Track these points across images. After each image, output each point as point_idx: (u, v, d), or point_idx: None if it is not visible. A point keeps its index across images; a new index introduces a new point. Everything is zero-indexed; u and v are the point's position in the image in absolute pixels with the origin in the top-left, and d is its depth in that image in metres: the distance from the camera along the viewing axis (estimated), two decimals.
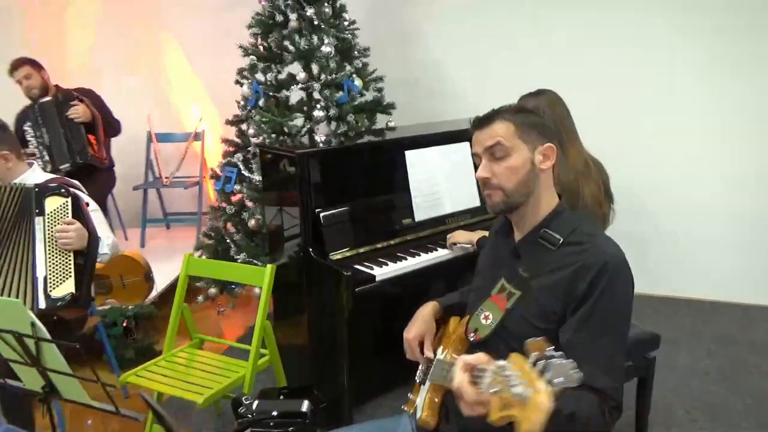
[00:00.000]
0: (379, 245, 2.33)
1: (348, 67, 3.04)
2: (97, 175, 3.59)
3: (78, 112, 3.45)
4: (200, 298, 3.15)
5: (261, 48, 2.99)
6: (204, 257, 3.25)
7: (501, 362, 0.95)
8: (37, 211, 2.08)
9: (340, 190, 2.32)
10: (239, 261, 2.93)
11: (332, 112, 2.89)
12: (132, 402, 2.58)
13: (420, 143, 2.51)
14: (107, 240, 2.20)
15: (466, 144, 2.60)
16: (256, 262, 2.88)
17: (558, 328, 1.22)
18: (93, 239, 2.09)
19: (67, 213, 2.09)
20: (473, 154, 1.35)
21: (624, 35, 3.29)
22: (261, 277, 2.13)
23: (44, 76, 3.58)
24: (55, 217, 2.08)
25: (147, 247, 4.16)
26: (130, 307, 3.01)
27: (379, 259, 2.27)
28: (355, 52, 3.09)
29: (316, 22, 2.91)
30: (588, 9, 3.34)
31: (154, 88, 4.47)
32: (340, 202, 2.29)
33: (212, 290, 3.08)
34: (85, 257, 2.09)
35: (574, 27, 3.38)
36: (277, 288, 2.56)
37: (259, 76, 2.99)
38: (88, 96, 3.60)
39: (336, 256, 2.22)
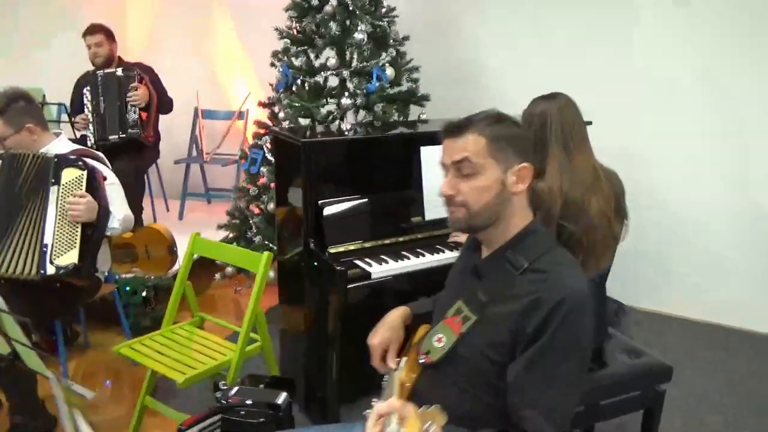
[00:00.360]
0: (385, 241, 2.27)
1: (383, 56, 2.96)
2: (141, 150, 3.72)
3: (138, 97, 3.54)
4: (218, 276, 3.21)
5: (294, 31, 2.96)
6: (230, 236, 3.31)
7: (394, 426, 0.92)
8: (53, 180, 2.15)
9: (347, 183, 2.27)
10: (256, 243, 2.95)
11: (360, 100, 2.83)
12: (140, 370, 2.66)
13: (438, 139, 2.41)
14: (119, 215, 2.26)
15: None
16: (272, 245, 2.89)
17: (510, 362, 1.12)
18: (103, 213, 2.14)
19: (81, 185, 2.15)
20: (440, 163, 1.25)
21: (625, 35, 3.23)
22: (257, 264, 2.13)
23: (113, 48, 3.72)
24: (68, 188, 2.14)
25: (185, 219, 4.28)
26: (152, 278, 3.10)
27: (382, 256, 2.21)
28: (391, 41, 3.01)
29: (351, 8, 2.85)
30: (589, 8, 3.28)
31: (206, 65, 4.57)
32: (346, 195, 2.24)
33: (229, 269, 3.12)
34: (93, 229, 2.15)
35: (584, 27, 3.31)
36: (285, 274, 2.57)
37: (295, 60, 2.97)
38: (148, 74, 3.70)
39: (336, 249, 2.17)
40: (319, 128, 2.83)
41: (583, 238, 1.78)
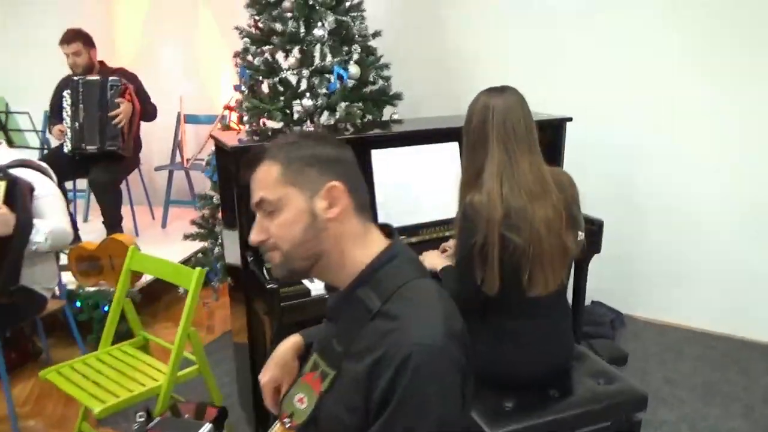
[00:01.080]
0: None
1: (353, 54, 2.77)
2: (120, 159, 3.61)
3: (121, 115, 3.44)
4: (180, 289, 3.07)
5: (254, 29, 2.80)
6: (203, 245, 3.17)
7: None
8: None
9: None
10: (216, 253, 2.81)
11: (320, 101, 2.65)
12: None
13: (394, 141, 2.22)
14: (44, 229, 2.13)
15: (454, 145, 2.28)
16: None
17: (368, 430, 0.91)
18: (22, 226, 2.02)
19: None
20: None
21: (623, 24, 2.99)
22: (189, 280, 1.97)
23: (93, 54, 3.61)
24: None
25: (169, 227, 4.18)
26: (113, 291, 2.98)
27: None
28: (357, 37, 2.81)
29: (311, 3, 2.67)
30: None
31: (191, 68, 4.46)
32: None
33: None
34: (10, 243, 2.02)
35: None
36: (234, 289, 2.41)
37: (254, 60, 2.80)
38: (131, 81, 3.60)
39: None
40: (288, 131, 2.66)
41: (529, 250, 1.56)
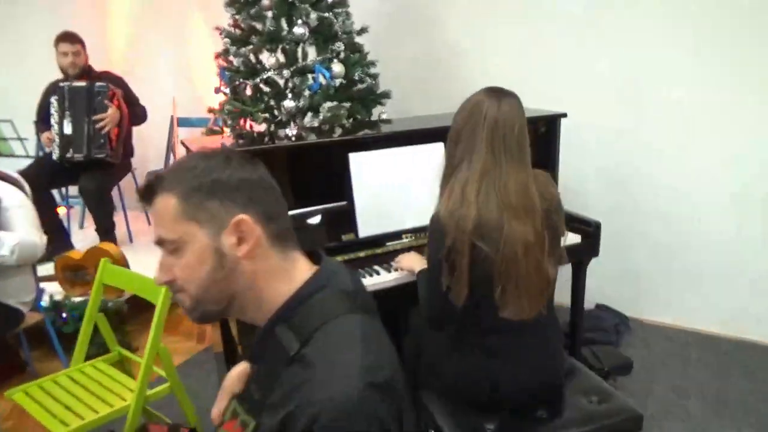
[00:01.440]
0: None
1: (337, 52, 2.65)
2: (109, 166, 3.54)
3: (107, 120, 3.36)
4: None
5: (233, 29, 2.70)
6: None
7: None
8: None
9: None
10: None
11: (301, 102, 2.54)
12: None
13: (372, 144, 2.10)
14: (10, 241, 2.05)
15: (440, 145, 2.15)
16: None
17: None
18: None
19: None
20: None
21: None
22: (157, 294, 1.88)
23: (87, 57, 3.56)
24: None
25: None
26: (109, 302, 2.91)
27: None
28: (342, 34, 2.70)
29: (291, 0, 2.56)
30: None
31: (183, 71, 4.39)
32: None
33: None
34: None
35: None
36: None
37: (235, 61, 2.70)
38: (119, 86, 3.53)
39: None
40: (271, 132, 2.56)
41: (501, 265, 1.43)
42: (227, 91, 2.74)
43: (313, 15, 2.59)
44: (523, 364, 1.58)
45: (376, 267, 2.01)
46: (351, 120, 2.67)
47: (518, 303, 1.45)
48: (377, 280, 1.96)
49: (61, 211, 3.84)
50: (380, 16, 3.15)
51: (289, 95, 2.57)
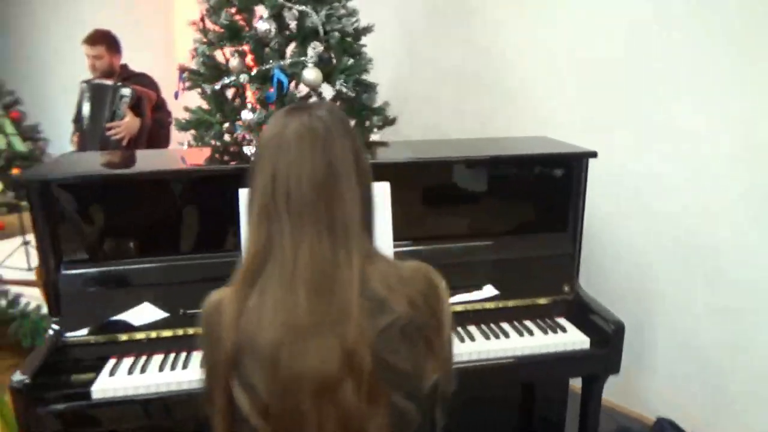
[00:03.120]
0: (165, 333, 1.45)
1: (309, 53, 2.10)
2: None
3: (120, 129, 3.12)
4: None
5: (202, 24, 2.26)
6: None
7: None
8: None
9: (115, 241, 1.50)
10: None
11: (257, 114, 2.03)
12: None
13: None
14: None
15: (385, 185, 1.51)
16: None
17: None
18: None
19: None
20: None
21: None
22: None
23: (114, 60, 3.38)
24: None
25: None
26: None
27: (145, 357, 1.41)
28: (332, 33, 2.14)
29: None
30: None
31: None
32: (110, 258, 1.48)
33: None
34: None
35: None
36: None
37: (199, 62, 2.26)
38: (150, 87, 3.31)
39: (76, 337, 1.42)
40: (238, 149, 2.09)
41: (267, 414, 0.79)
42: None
43: (297, 9, 2.07)
44: None
45: None
46: None
47: None
48: None
49: None
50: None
51: (249, 105, 2.08)
